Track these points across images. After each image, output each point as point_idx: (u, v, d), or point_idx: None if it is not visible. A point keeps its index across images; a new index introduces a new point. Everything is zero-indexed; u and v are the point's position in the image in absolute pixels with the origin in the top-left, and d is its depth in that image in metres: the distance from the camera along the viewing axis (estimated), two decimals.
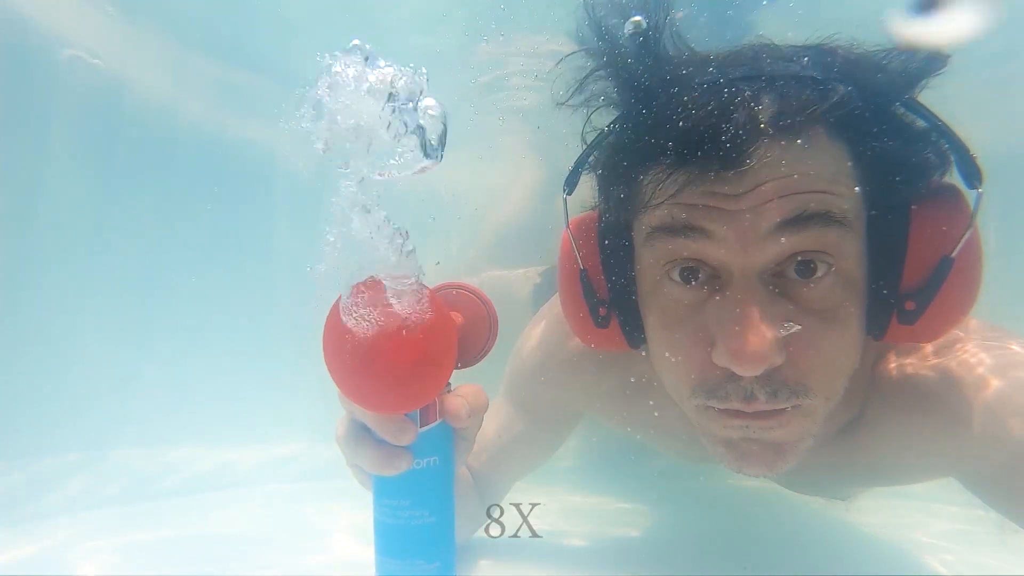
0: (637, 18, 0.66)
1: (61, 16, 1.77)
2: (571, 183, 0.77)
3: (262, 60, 2.29)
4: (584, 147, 0.75)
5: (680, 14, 0.67)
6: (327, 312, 0.68)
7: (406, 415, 0.70)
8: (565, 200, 0.77)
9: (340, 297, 0.65)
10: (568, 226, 0.78)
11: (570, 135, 0.77)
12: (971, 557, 1.17)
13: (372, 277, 0.65)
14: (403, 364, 0.65)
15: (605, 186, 0.75)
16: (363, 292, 0.64)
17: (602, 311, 0.77)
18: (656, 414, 0.91)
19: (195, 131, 2.24)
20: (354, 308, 0.64)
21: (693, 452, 0.99)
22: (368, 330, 0.63)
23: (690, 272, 0.67)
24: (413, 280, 0.64)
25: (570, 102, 0.73)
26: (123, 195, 1.92)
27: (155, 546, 1.11)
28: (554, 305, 1.01)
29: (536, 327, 1.04)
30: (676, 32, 0.66)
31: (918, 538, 1.30)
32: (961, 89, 0.71)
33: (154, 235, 2.02)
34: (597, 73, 0.70)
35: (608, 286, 0.77)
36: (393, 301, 0.64)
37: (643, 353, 0.79)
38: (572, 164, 0.76)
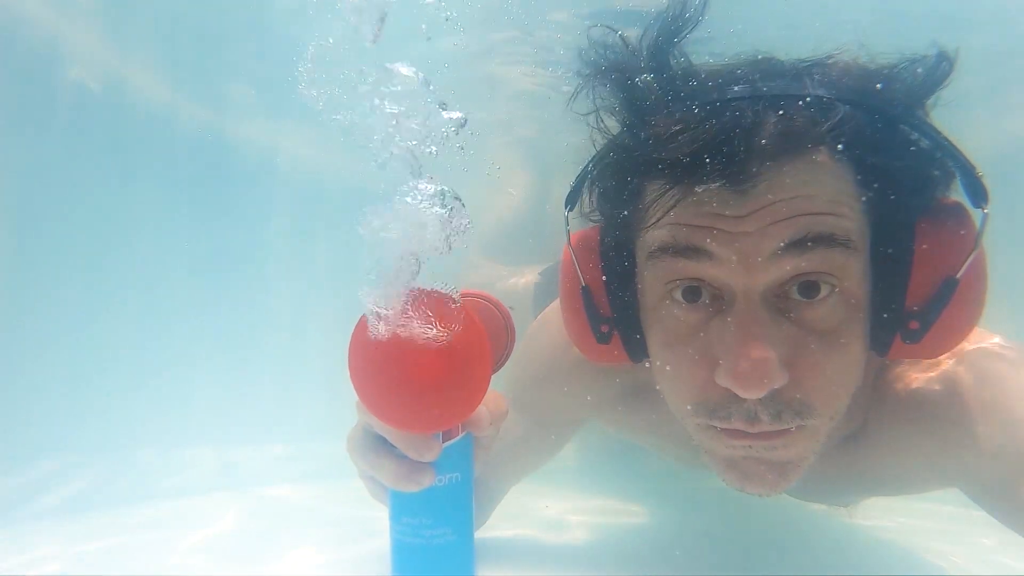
0: None
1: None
2: (573, 199, 0.76)
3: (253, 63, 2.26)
4: (586, 162, 0.74)
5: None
6: (354, 324, 0.64)
7: None
8: (567, 217, 0.76)
9: (371, 309, 0.62)
10: (569, 242, 0.77)
11: (567, 133, 0.76)
12: (972, 558, 1.18)
13: (410, 289, 0.62)
14: (443, 385, 0.62)
15: (606, 203, 0.75)
16: (402, 303, 0.61)
17: (604, 327, 0.77)
18: (657, 420, 0.90)
19: (197, 133, 2.23)
20: (391, 318, 0.60)
21: (694, 459, 0.98)
22: (405, 344, 0.60)
23: (692, 292, 0.66)
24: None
25: (575, 109, 0.72)
26: (126, 198, 1.91)
27: (155, 546, 1.11)
28: (556, 309, 1.00)
29: (539, 332, 1.04)
30: (682, 50, 0.65)
31: (920, 539, 1.30)
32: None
33: (156, 237, 2.01)
34: (600, 87, 0.69)
35: (610, 302, 0.76)
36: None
37: (646, 365, 0.79)
38: (574, 181, 0.75)
